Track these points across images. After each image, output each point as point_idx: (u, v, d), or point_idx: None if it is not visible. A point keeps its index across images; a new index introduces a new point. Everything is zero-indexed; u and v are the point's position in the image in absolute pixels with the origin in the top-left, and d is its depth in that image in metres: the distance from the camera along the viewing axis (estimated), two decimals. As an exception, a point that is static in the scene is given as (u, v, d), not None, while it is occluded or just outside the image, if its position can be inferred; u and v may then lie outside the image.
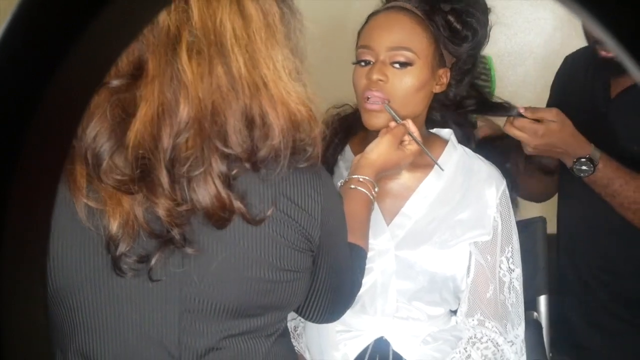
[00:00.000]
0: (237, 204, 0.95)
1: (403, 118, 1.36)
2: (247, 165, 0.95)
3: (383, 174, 1.35)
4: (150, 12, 0.30)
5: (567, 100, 1.74)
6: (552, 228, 1.80)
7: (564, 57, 1.86)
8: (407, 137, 1.37)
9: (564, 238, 1.81)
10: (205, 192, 0.93)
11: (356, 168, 1.31)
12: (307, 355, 1.44)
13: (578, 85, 1.75)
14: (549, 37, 2.41)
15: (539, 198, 1.90)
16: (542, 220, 1.78)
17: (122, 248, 0.94)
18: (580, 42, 1.72)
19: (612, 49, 0.25)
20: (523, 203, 1.72)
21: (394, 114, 1.35)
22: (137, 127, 0.88)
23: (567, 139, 1.51)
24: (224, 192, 0.93)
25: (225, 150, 0.93)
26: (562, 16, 2.36)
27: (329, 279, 1.12)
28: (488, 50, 1.55)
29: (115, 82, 0.89)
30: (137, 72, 0.89)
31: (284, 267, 1.01)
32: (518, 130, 1.47)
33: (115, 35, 0.29)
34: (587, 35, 1.63)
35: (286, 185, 0.99)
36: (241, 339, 1.03)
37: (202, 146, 0.92)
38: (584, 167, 1.52)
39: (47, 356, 0.27)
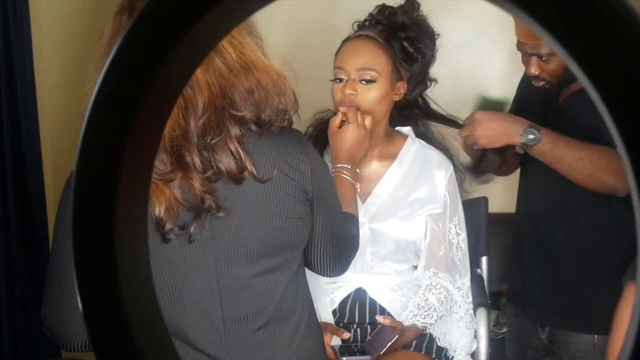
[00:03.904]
0: (247, 162, 1.15)
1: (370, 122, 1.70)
2: (254, 127, 1.15)
3: (358, 154, 1.65)
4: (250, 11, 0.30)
5: (528, 104, 1.87)
6: (492, 207, 2.13)
7: None
8: (344, 117, 1.66)
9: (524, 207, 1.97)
10: (226, 153, 1.13)
11: (332, 162, 1.66)
12: None
13: (536, 91, 1.81)
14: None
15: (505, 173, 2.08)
16: (485, 200, 2.10)
17: (168, 226, 1.12)
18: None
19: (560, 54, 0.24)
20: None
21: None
22: (168, 123, 1.12)
23: (500, 116, 1.69)
24: (240, 149, 1.14)
25: (236, 113, 1.13)
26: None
27: (328, 225, 1.31)
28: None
29: None
30: None
31: (288, 215, 1.22)
32: (466, 131, 1.73)
33: (218, 31, 0.29)
34: (523, 61, 1.75)
35: (282, 153, 1.21)
36: (265, 277, 1.23)
37: (218, 118, 1.12)
38: (530, 136, 1.62)
39: (150, 282, 0.31)
